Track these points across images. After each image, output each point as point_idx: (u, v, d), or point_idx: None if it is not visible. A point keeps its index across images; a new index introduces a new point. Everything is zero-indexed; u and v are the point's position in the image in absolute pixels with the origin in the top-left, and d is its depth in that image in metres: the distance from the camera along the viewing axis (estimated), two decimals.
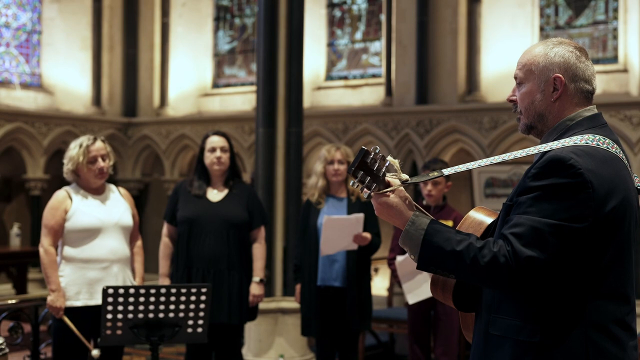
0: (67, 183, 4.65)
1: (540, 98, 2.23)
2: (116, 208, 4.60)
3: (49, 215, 4.47)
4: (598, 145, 2.14)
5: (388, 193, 2.18)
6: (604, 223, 2.06)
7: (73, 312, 4.42)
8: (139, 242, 4.77)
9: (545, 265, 2.01)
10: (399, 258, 5.20)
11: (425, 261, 2.14)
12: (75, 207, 4.48)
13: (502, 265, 2.02)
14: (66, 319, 4.39)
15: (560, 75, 2.22)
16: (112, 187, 4.72)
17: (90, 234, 4.47)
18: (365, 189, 2.16)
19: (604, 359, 2.07)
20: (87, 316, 4.43)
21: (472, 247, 2.06)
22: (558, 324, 2.07)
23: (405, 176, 2.22)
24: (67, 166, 4.53)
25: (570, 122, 2.23)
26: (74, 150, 4.50)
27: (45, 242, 4.43)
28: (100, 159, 4.51)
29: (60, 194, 4.54)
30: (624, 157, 2.20)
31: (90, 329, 4.46)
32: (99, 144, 4.54)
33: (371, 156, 2.13)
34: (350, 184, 2.18)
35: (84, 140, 4.53)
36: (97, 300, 4.42)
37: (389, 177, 2.20)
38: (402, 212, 2.18)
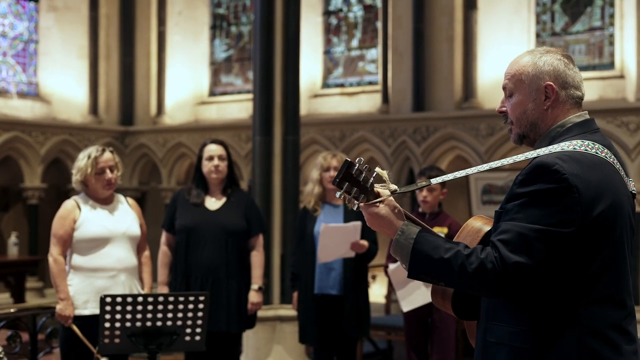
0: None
1: (532, 107, 2.25)
2: (124, 218, 4.62)
3: (57, 225, 4.50)
4: (586, 150, 2.14)
5: (377, 204, 2.21)
6: (592, 227, 2.07)
7: (81, 321, 4.43)
8: (146, 253, 4.80)
9: (532, 271, 2.03)
10: (391, 266, 5.20)
11: (415, 270, 2.16)
12: (84, 217, 4.51)
13: (489, 271, 2.04)
14: (75, 328, 4.40)
15: (552, 83, 2.23)
16: (121, 197, 4.74)
17: (98, 243, 4.49)
18: (353, 200, 2.19)
19: None
20: (94, 325, 4.42)
21: (460, 255, 2.08)
22: (551, 329, 2.09)
23: (394, 186, 2.24)
24: (76, 177, 4.56)
25: (561, 128, 2.24)
26: (82, 161, 4.53)
27: (54, 252, 4.47)
28: (108, 170, 4.53)
29: (69, 204, 4.56)
30: (615, 161, 2.20)
31: (97, 337, 4.47)
32: (107, 155, 4.56)
33: (356, 167, 2.15)
34: (337, 195, 2.20)
35: (93, 151, 4.56)
36: None
37: (378, 188, 2.22)
38: (392, 222, 2.21)
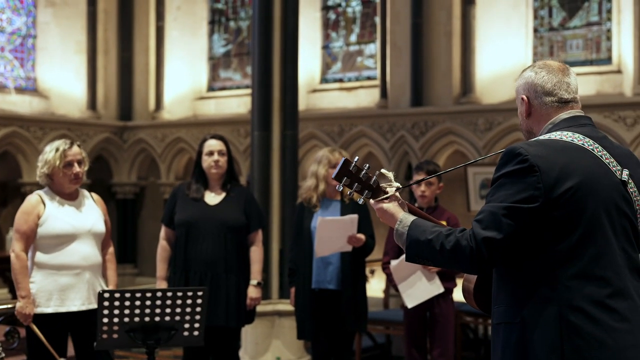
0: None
1: (521, 118, 2.56)
2: (90, 214, 4.53)
3: (21, 220, 4.40)
4: (561, 138, 2.37)
5: (385, 200, 2.52)
6: (558, 204, 2.26)
7: (44, 319, 4.35)
8: (111, 249, 4.70)
9: (501, 244, 2.25)
10: (394, 262, 5.21)
11: (410, 253, 2.43)
12: (48, 213, 4.41)
13: (464, 247, 2.28)
14: (34, 327, 4.32)
15: (524, 96, 2.51)
16: (86, 192, 4.64)
17: (63, 240, 4.40)
18: (356, 194, 2.51)
19: (579, 337, 2.23)
20: (57, 323, 4.38)
21: (441, 235, 2.34)
22: (534, 304, 2.28)
23: (396, 184, 2.56)
24: (42, 169, 4.44)
25: (551, 125, 2.47)
26: (50, 153, 4.42)
27: (16, 247, 4.36)
28: (76, 164, 4.43)
29: (32, 199, 4.46)
30: (599, 149, 2.37)
31: (61, 336, 4.41)
32: (75, 148, 4.47)
33: (352, 164, 2.48)
34: (337, 188, 2.54)
35: (61, 144, 4.45)
36: (68, 307, 4.37)
37: (385, 186, 2.53)
38: (393, 215, 2.49)
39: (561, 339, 2.23)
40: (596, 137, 2.40)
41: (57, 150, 4.42)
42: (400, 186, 2.54)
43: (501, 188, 2.31)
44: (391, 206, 2.50)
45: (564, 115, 2.45)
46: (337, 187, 2.53)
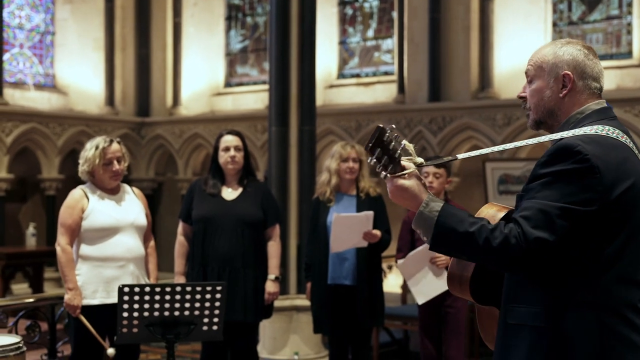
0: (81, 182, 4.68)
1: (549, 94, 2.30)
2: (131, 208, 4.64)
3: (65, 214, 4.50)
4: (607, 134, 2.19)
5: (404, 176, 2.22)
6: (613, 208, 2.12)
7: (90, 311, 4.45)
8: (152, 243, 4.80)
9: (553, 247, 2.08)
10: (400, 262, 5.18)
11: (437, 242, 2.19)
12: (92, 207, 4.51)
13: (513, 246, 2.08)
14: (82, 318, 4.42)
15: (569, 72, 2.28)
16: (127, 187, 4.75)
17: (106, 233, 4.50)
18: (382, 168, 2.20)
19: (619, 342, 2.12)
20: (103, 314, 4.46)
21: (485, 229, 2.12)
22: (571, 308, 2.13)
23: (419, 159, 2.28)
24: (83, 167, 4.56)
25: (580, 115, 2.29)
26: (90, 151, 4.54)
27: (62, 241, 4.46)
28: (115, 162, 4.54)
29: (76, 193, 4.57)
30: (634, 147, 2.24)
31: (107, 327, 4.49)
32: (115, 146, 4.57)
33: (387, 134, 2.17)
34: (368, 160, 2.21)
35: (100, 141, 4.56)
36: (114, 299, 4.42)
37: (404, 161, 2.24)
38: (416, 195, 2.22)
39: (602, 345, 2.11)
40: (627, 132, 2.27)
41: (96, 148, 4.54)
42: (423, 162, 2.27)
43: (552, 186, 2.11)
44: (414, 184, 2.22)
45: (594, 105, 2.29)
46: (368, 160, 2.21)
